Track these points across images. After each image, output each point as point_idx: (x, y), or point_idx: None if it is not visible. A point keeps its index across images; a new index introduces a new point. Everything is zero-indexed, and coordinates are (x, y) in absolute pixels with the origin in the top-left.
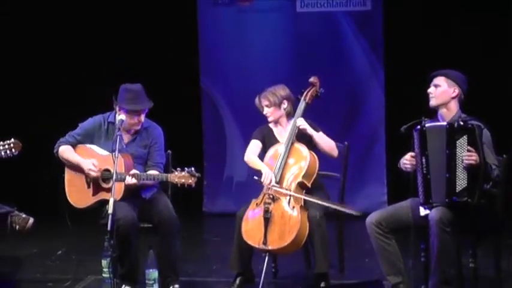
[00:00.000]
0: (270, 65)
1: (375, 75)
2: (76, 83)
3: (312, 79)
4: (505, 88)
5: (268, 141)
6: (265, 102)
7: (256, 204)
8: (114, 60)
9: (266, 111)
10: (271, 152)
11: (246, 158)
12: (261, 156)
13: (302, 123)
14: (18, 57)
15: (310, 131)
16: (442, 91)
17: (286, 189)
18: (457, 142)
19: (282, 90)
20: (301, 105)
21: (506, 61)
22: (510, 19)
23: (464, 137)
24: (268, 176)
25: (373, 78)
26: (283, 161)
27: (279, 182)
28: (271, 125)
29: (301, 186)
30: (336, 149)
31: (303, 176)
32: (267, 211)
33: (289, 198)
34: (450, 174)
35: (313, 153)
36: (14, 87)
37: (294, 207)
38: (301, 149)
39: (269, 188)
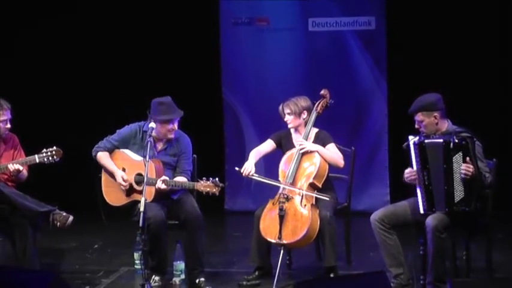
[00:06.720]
0: (284, 77)
1: (379, 88)
2: (109, 97)
3: (322, 91)
4: (498, 95)
5: (286, 144)
6: (287, 111)
7: (273, 203)
8: (145, 76)
9: (287, 118)
10: (286, 156)
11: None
12: (277, 154)
13: (302, 148)
14: (57, 74)
15: (311, 148)
16: (427, 124)
17: (299, 189)
18: (453, 158)
19: (303, 101)
20: (313, 116)
21: (504, 71)
22: (509, 30)
23: (460, 153)
24: (246, 168)
25: (377, 91)
26: (296, 165)
27: (293, 183)
28: (291, 130)
29: (312, 186)
30: (341, 161)
31: (314, 177)
32: (281, 209)
33: (301, 198)
34: (448, 187)
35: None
36: (58, 100)
37: (305, 205)
38: (313, 153)
39: (284, 188)
